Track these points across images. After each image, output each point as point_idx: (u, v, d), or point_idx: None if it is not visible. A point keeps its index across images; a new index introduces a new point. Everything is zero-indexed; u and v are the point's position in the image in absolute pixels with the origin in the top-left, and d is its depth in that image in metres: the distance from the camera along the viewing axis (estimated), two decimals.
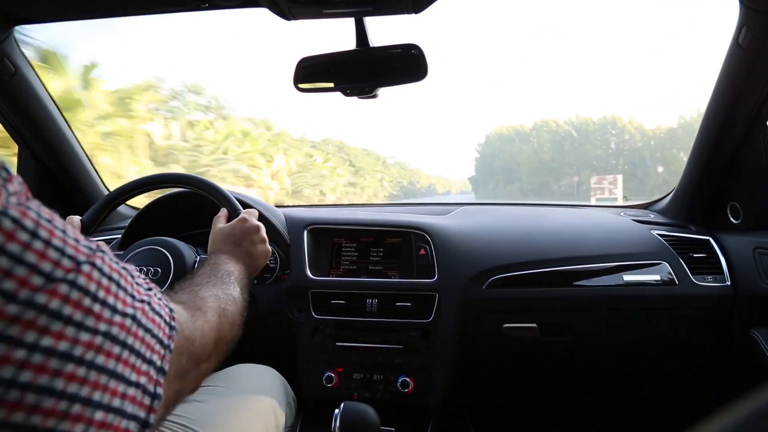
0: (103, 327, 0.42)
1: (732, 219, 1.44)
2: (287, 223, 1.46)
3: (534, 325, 1.40)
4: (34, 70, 1.46)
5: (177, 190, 1.39)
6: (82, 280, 0.41)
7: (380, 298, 1.38)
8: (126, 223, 1.45)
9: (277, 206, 1.57)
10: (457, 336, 1.38)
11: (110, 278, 0.44)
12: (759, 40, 1.12)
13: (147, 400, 0.46)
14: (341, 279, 1.44)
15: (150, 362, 0.47)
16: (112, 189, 1.51)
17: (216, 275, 0.83)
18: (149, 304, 0.49)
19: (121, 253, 1.16)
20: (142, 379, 0.46)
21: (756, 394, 0.24)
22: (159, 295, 0.53)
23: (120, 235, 1.42)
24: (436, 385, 1.36)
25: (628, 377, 1.67)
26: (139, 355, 0.46)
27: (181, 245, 1.17)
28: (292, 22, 1.15)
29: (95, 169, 1.77)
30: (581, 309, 1.41)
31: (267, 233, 1.08)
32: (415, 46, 1.14)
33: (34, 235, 0.39)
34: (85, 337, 0.40)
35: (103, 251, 0.45)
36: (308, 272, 1.41)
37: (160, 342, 0.49)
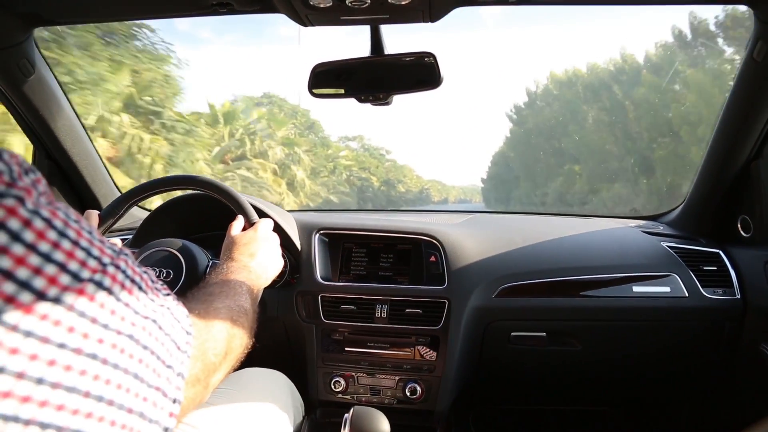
0: (126, 328, 0.43)
1: (742, 232, 1.43)
2: (298, 228, 1.47)
3: (543, 333, 1.40)
4: (51, 71, 1.48)
5: (191, 193, 1.40)
6: (107, 282, 0.42)
7: (390, 304, 1.38)
8: (136, 224, 1.46)
9: (289, 211, 1.57)
10: (466, 343, 1.38)
11: (133, 281, 0.45)
12: None
13: (168, 404, 0.47)
14: (351, 284, 1.44)
15: (170, 366, 0.48)
16: (123, 190, 1.52)
17: (228, 285, 0.84)
18: (168, 308, 0.50)
19: (135, 251, 1.17)
20: (163, 383, 0.46)
21: None
22: (176, 301, 0.54)
23: (131, 236, 1.43)
24: (444, 391, 1.36)
25: (635, 388, 1.67)
26: (159, 358, 0.46)
27: (194, 248, 1.17)
28: (310, 28, 1.16)
29: (108, 171, 1.78)
30: (590, 319, 1.40)
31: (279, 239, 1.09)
32: (429, 54, 1.15)
33: (62, 234, 0.40)
34: (110, 337, 0.41)
35: (126, 254, 0.46)
36: (318, 277, 1.41)
37: (179, 347, 0.50)
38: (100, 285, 0.41)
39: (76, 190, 1.72)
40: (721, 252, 1.45)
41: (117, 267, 0.44)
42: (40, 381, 0.36)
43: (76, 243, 0.41)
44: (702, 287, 1.38)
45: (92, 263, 0.41)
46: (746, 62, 1.20)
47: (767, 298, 1.30)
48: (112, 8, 1.22)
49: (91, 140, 1.69)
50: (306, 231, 1.47)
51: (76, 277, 0.40)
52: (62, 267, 0.39)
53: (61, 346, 0.38)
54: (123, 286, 0.44)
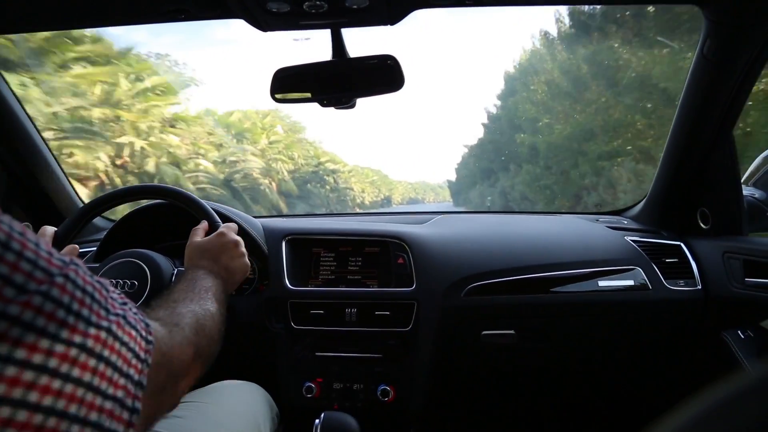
0: (78, 339, 0.42)
1: (702, 224, 1.47)
2: (265, 234, 1.46)
3: (512, 331, 1.41)
4: (5, 79, 1.44)
5: (154, 202, 1.38)
6: (55, 292, 0.41)
7: (359, 308, 1.38)
8: (101, 236, 1.43)
9: (255, 217, 1.56)
10: (436, 343, 1.39)
11: (84, 291, 0.44)
12: (722, 51, 1.17)
13: (125, 415, 0.46)
14: (320, 289, 1.44)
15: (127, 376, 0.47)
16: (86, 201, 1.49)
17: (193, 291, 0.82)
18: (124, 317, 0.49)
19: (97, 265, 1.15)
20: (120, 393, 0.45)
21: (706, 394, 0.25)
22: (134, 309, 0.53)
23: (95, 248, 1.40)
24: (416, 393, 1.37)
25: (605, 381, 1.70)
26: (115, 368, 0.45)
27: (159, 258, 1.16)
28: (269, 33, 1.16)
29: (69, 181, 1.74)
30: (558, 315, 1.42)
31: (245, 245, 1.08)
32: (390, 57, 1.15)
33: (6, 247, 0.39)
34: (59, 349, 0.40)
35: (76, 264, 0.45)
36: (287, 283, 1.41)
37: (137, 356, 0.49)
38: (47, 296, 0.40)
39: (36, 202, 1.68)
40: (682, 244, 1.49)
41: (66, 277, 0.43)
42: None
43: (20, 255, 0.39)
44: (665, 279, 1.42)
45: (39, 275, 0.40)
46: (698, 59, 1.24)
47: (726, 288, 1.34)
48: (65, 16, 1.20)
49: (51, 152, 1.65)
50: (273, 237, 1.46)
51: (21, 289, 0.38)
52: (6, 280, 0.38)
53: (6, 360, 0.37)
54: (73, 297, 0.43)
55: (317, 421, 1.09)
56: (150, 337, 0.53)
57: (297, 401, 1.39)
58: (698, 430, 0.25)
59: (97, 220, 1.82)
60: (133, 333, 0.50)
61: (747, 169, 1.52)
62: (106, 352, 0.44)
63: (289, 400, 1.39)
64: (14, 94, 1.48)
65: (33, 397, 0.38)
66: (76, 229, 1.16)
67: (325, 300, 1.40)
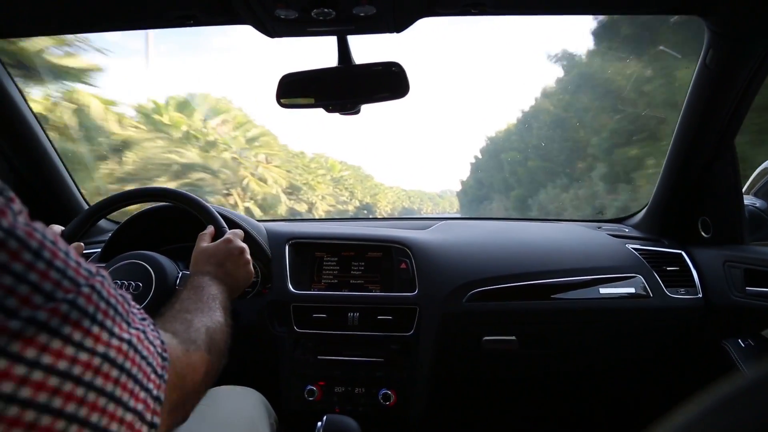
0: (101, 349, 0.42)
1: (703, 233, 1.48)
2: (269, 238, 1.47)
3: (513, 337, 1.42)
4: (14, 81, 1.45)
5: (159, 204, 1.39)
6: (81, 302, 0.42)
7: (361, 312, 1.39)
8: (105, 237, 1.43)
9: (259, 220, 1.57)
10: (438, 349, 1.39)
11: (108, 303, 0.45)
12: (724, 61, 1.18)
13: (144, 429, 0.46)
14: (323, 293, 1.45)
15: (147, 390, 0.47)
16: (91, 202, 1.50)
17: (201, 300, 0.83)
18: (144, 332, 0.50)
19: (102, 266, 1.15)
20: (140, 406, 0.46)
21: (706, 394, 0.26)
22: (152, 326, 0.54)
23: (99, 249, 1.41)
24: (417, 397, 1.37)
25: (605, 387, 1.70)
26: (136, 381, 0.46)
27: (163, 260, 1.16)
28: (276, 39, 1.17)
29: (75, 183, 1.75)
30: (559, 321, 1.43)
31: (249, 248, 1.09)
32: (396, 63, 1.16)
33: (37, 255, 0.40)
34: (83, 357, 0.41)
35: (102, 276, 0.46)
36: (290, 286, 1.41)
37: (155, 371, 0.50)
38: (74, 305, 0.41)
39: (43, 203, 1.69)
40: (683, 253, 1.50)
41: (92, 288, 0.44)
42: (10, 399, 0.36)
43: (50, 264, 0.40)
44: (665, 287, 1.42)
45: (67, 284, 0.41)
46: (700, 69, 1.25)
47: (726, 296, 1.35)
48: (73, 20, 1.21)
49: (56, 151, 1.66)
50: (277, 241, 1.47)
51: (49, 296, 0.39)
52: (35, 287, 0.39)
53: (33, 364, 0.37)
54: (98, 307, 0.43)
55: (319, 424, 1.09)
56: (165, 354, 0.54)
57: (298, 404, 1.39)
58: (697, 430, 0.25)
59: (102, 222, 1.83)
60: (152, 348, 0.50)
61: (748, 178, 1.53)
62: (127, 364, 0.45)
63: (291, 403, 1.39)
64: (21, 92, 1.49)
65: (57, 402, 0.38)
66: (83, 230, 1.17)
67: (328, 304, 1.41)
